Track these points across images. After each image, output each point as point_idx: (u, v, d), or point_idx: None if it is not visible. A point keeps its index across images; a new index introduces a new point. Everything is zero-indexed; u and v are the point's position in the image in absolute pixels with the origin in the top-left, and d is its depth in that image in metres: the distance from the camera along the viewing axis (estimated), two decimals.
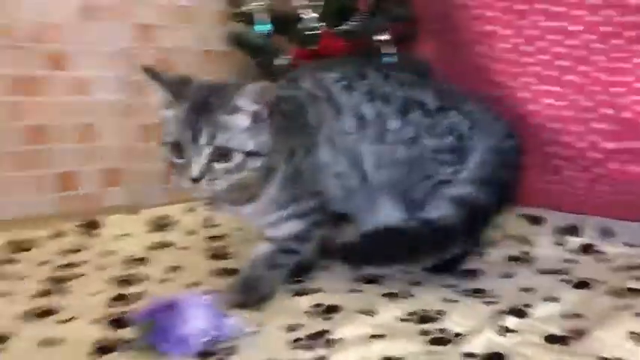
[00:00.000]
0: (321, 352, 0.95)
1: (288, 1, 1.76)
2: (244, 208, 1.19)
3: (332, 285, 1.28)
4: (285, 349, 0.97)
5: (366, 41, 1.89)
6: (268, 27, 1.69)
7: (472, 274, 1.35)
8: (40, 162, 1.79)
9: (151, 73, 1.10)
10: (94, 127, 1.88)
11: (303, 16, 1.70)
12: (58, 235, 1.70)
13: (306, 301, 1.18)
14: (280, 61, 1.70)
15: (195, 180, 1.05)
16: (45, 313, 1.17)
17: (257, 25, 1.70)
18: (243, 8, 1.74)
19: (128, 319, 1.08)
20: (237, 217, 1.35)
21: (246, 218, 1.28)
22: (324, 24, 1.70)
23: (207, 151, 1.05)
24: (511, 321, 1.03)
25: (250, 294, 1.18)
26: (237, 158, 1.07)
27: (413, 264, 1.29)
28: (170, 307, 0.98)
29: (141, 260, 1.51)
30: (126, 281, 1.35)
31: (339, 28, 1.72)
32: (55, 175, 1.82)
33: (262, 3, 1.73)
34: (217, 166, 1.07)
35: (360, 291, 1.24)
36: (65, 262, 1.52)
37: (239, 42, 1.77)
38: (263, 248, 1.24)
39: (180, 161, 1.07)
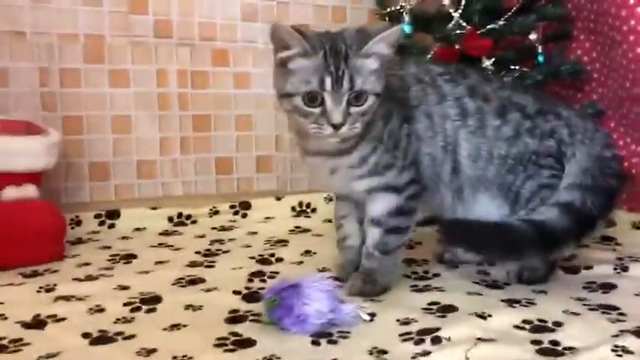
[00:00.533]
0: (427, 347, 0.99)
1: (433, 1, 1.79)
2: (340, 160, 1.20)
3: (453, 285, 1.30)
4: (394, 340, 1.02)
5: (514, 40, 1.86)
6: (408, 27, 1.72)
7: (608, 287, 1.30)
8: (203, 147, 2.00)
9: (293, 28, 1.11)
10: (252, 118, 2.05)
11: (453, 14, 1.71)
12: (215, 213, 1.91)
13: (424, 298, 1.22)
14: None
15: (338, 126, 1.09)
16: (193, 281, 1.34)
17: (404, 25, 1.74)
18: (390, 9, 1.80)
19: (259, 294, 1.21)
20: (329, 183, 1.29)
21: (344, 184, 1.27)
22: (465, 23, 1.69)
23: (347, 95, 1.09)
24: (631, 341, 0.99)
25: (371, 284, 1.25)
26: (370, 100, 1.12)
27: (514, 259, 1.29)
28: (295, 288, 1.09)
29: (281, 242, 1.65)
30: (265, 260, 1.49)
31: (487, 27, 1.70)
32: (216, 159, 2.02)
33: (406, 3, 1.77)
34: (353, 109, 1.10)
35: (480, 294, 1.25)
36: (217, 238, 1.72)
37: None
38: (373, 234, 1.26)
39: (316, 110, 1.10)
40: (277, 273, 1.39)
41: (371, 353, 0.98)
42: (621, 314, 1.14)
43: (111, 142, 1.89)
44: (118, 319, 1.12)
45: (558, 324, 1.08)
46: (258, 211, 1.92)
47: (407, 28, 1.74)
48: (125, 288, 1.30)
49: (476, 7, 1.70)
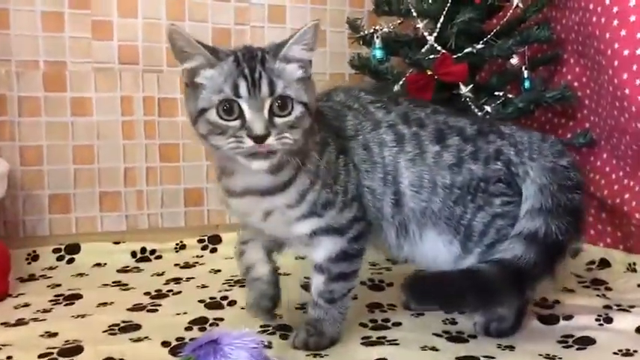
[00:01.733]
0: None
1: (409, 24, 1.68)
2: (275, 199, 1.06)
3: (411, 338, 1.17)
4: None
5: (499, 65, 1.74)
6: (381, 52, 1.61)
7: (585, 342, 1.15)
8: (171, 178, 1.91)
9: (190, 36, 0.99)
10: None
11: (427, 37, 1.60)
12: (182, 247, 1.82)
13: (372, 353, 1.10)
14: (397, 86, 1.62)
15: (261, 138, 0.95)
16: (126, 328, 1.23)
17: (374, 50, 1.64)
18: (362, 33, 1.69)
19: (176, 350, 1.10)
20: (263, 229, 1.14)
21: (280, 229, 1.12)
22: (440, 47, 1.57)
23: (268, 102, 0.97)
24: None
25: (317, 336, 1.13)
26: (298, 110, 0.99)
27: (488, 308, 1.16)
28: (213, 344, 0.97)
29: (241, 282, 1.54)
30: (215, 304, 1.38)
31: (464, 51, 1.58)
32: (185, 190, 1.93)
33: (379, 27, 1.66)
34: (279, 120, 0.97)
35: (437, 350, 1.12)
36: (175, 276, 1.61)
37: (360, 66, 1.72)
38: (317, 282, 1.14)
39: (234, 122, 0.96)
40: (222, 320, 1.28)
41: None
42: None
43: (72, 172, 1.80)
44: None
45: None
46: (228, 245, 1.81)
47: (378, 53, 1.63)
48: (53, 335, 1.20)
49: (452, 30, 1.58)
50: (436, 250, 1.15)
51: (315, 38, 1.01)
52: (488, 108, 1.61)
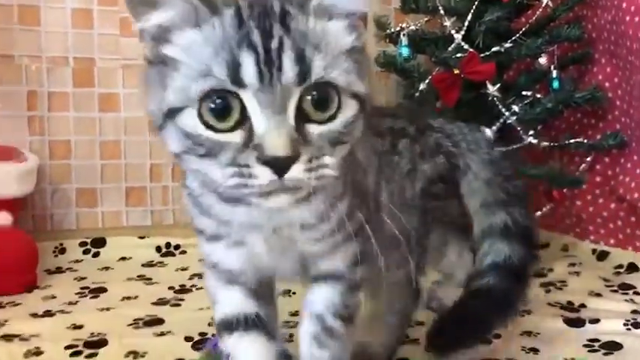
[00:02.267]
0: None
1: (437, 22, 1.66)
2: (299, 212, 0.70)
3: None
4: None
5: (528, 64, 1.71)
6: (407, 51, 1.60)
7: (612, 347, 1.13)
8: None
9: None
10: None
11: (454, 35, 1.58)
12: None
13: None
14: (423, 85, 1.61)
15: (283, 162, 0.57)
16: (150, 322, 1.25)
17: (401, 48, 1.62)
18: (388, 30, 1.68)
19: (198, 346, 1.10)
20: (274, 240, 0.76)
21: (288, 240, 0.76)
22: (468, 46, 1.55)
23: (296, 96, 0.59)
24: None
25: None
26: (349, 108, 0.62)
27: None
28: None
29: None
30: None
31: (492, 50, 1.56)
32: None
33: (406, 25, 1.65)
34: (315, 129, 0.60)
35: None
36: (199, 271, 1.62)
37: (386, 64, 1.71)
38: (325, 294, 0.81)
39: (230, 136, 0.59)
40: None
41: None
42: None
43: (99, 167, 1.83)
44: None
45: None
46: None
47: (404, 51, 1.61)
48: (78, 327, 1.22)
49: (480, 29, 1.56)
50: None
51: None
52: (515, 108, 1.58)
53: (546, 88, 1.67)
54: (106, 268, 1.67)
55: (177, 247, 1.81)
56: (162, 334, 1.18)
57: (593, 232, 1.77)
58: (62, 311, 1.32)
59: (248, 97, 0.57)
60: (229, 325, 0.80)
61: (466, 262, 1.12)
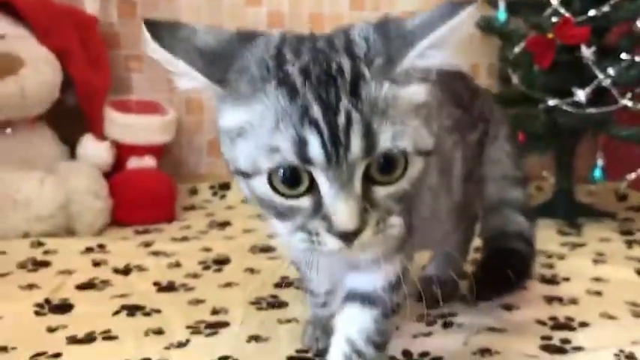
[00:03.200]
0: None
1: None
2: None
3: None
4: None
5: (623, 27, 1.73)
6: (504, 15, 1.69)
7: None
8: None
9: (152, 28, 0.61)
10: None
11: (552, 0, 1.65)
12: None
13: None
14: (518, 48, 1.70)
15: (351, 234, 0.58)
16: (265, 249, 1.49)
17: (498, 13, 1.72)
18: None
19: None
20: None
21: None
22: (564, 10, 1.61)
23: (363, 166, 0.58)
24: None
25: None
26: (415, 166, 0.60)
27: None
28: None
29: None
30: None
31: (588, 14, 1.61)
32: None
33: None
34: (381, 191, 0.60)
35: None
36: None
37: (485, 27, 1.81)
38: (359, 318, 0.77)
39: (301, 202, 0.59)
40: None
41: None
42: None
43: None
44: (189, 274, 1.32)
45: None
46: None
47: (501, 16, 1.71)
48: (208, 249, 1.50)
49: None
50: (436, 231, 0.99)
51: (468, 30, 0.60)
52: (611, 71, 1.64)
53: None
54: (230, 207, 1.96)
55: None
56: (272, 258, 1.43)
57: None
58: (196, 238, 1.61)
59: (316, 172, 0.57)
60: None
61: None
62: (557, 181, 1.86)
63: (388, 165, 0.58)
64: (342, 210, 0.56)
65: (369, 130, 0.55)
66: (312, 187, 0.58)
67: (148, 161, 1.83)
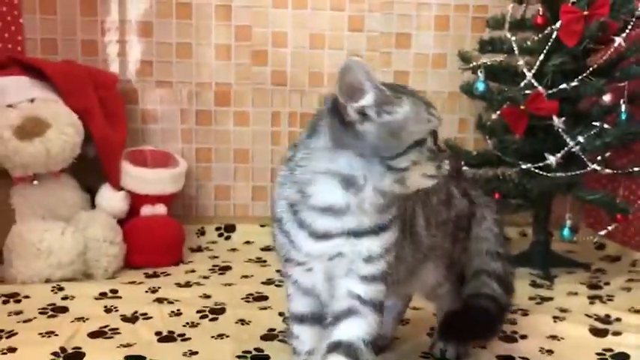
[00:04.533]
0: None
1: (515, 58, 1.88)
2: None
3: None
4: None
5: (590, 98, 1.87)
6: (482, 86, 1.84)
7: (620, 357, 1.35)
8: None
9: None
10: None
11: (526, 74, 1.80)
12: None
13: None
14: (495, 115, 1.86)
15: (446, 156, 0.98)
16: (258, 298, 1.67)
17: (477, 83, 1.87)
18: (471, 64, 1.93)
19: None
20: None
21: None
22: (537, 83, 1.76)
23: None
24: None
25: None
26: None
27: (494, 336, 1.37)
28: None
29: None
30: None
31: (559, 87, 1.76)
32: None
33: (486, 61, 1.90)
34: None
35: None
36: None
37: (469, 91, 1.97)
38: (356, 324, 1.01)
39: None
40: None
41: None
42: None
43: (232, 169, 2.31)
44: (187, 323, 1.50)
45: None
46: None
47: (480, 86, 1.87)
48: (207, 297, 1.68)
49: (550, 68, 1.77)
50: (429, 279, 1.26)
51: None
52: (581, 138, 1.78)
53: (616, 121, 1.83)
54: (234, 250, 2.15)
55: None
56: (264, 308, 1.60)
57: None
58: (198, 283, 1.79)
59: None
60: (300, 318, 1.08)
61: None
62: (534, 233, 2.01)
63: None
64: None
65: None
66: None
67: (159, 209, 2.02)
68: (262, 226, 2.26)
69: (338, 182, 0.93)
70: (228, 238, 2.25)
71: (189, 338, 1.41)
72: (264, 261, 2.03)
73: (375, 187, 0.93)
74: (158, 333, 1.44)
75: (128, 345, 1.36)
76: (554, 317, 1.57)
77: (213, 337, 1.43)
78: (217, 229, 2.26)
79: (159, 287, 1.74)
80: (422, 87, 2.31)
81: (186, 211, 2.29)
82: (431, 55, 2.31)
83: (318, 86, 2.28)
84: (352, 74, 0.88)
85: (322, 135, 0.94)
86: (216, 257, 2.06)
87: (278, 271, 1.90)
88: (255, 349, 1.35)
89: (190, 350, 1.35)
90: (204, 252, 2.13)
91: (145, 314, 1.54)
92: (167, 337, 1.42)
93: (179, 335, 1.43)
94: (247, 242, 2.22)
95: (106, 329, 1.45)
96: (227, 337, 1.43)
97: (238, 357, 1.32)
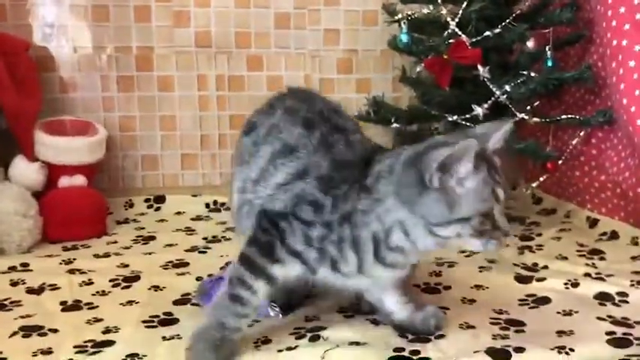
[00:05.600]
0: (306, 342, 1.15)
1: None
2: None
3: None
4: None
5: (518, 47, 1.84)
6: (406, 37, 1.79)
7: (541, 302, 1.33)
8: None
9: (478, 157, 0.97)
10: None
11: (449, 22, 1.75)
12: None
13: None
14: (419, 67, 1.81)
15: (508, 234, 1.02)
16: (178, 265, 1.60)
17: (401, 35, 1.82)
18: (396, 17, 1.87)
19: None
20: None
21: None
22: (460, 32, 1.72)
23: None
24: None
25: None
26: None
27: None
28: (219, 280, 1.30)
29: None
30: None
31: (483, 35, 1.72)
32: None
33: (411, 12, 1.84)
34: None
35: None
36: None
37: (396, 47, 1.91)
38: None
39: (487, 227, 1.00)
40: None
41: (256, 344, 1.16)
42: None
43: (159, 137, 2.22)
44: (97, 292, 1.42)
45: None
46: None
47: (404, 38, 1.81)
48: (125, 266, 1.59)
49: (473, 16, 1.72)
50: None
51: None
52: (507, 87, 1.74)
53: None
54: (163, 220, 2.06)
55: (222, 204, 2.15)
56: (182, 274, 1.53)
57: (590, 201, 1.90)
58: (117, 254, 1.71)
59: (496, 207, 0.99)
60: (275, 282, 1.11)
61: None
62: None
63: None
64: (505, 222, 1.00)
65: (505, 191, 1.00)
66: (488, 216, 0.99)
67: (78, 179, 1.92)
68: (194, 195, 2.19)
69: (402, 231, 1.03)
70: (158, 209, 2.16)
71: (97, 306, 1.34)
72: (193, 230, 1.95)
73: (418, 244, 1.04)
74: (63, 303, 1.36)
75: (28, 316, 1.28)
76: (481, 267, 1.54)
77: (122, 304, 1.35)
78: (146, 200, 2.16)
79: (74, 259, 1.65)
80: (353, 45, 2.26)
81: (113, 183, 2.19)
82: (361, 12, 2.24)
83: (245, 47, 2.20)
84: (462, 157, 0.95)
85: (393, 183, 1.02)
86: (142, 228, 1.97)
87: (204, 238, 1.85)
88: (165, 314, 1.29)
89: (95, 318, 1.27)
90: (131, 224, 2.03)
91: (54, 285, 1.46)
92: (72, 307, 1.34)
93: (86, 304, 1.35)
94: (178, 213, 2.13)
95: (6, 302, 1.36)
96: (137, 303, 1.35)
97: (144, 322, 1.25)
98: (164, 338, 1.17)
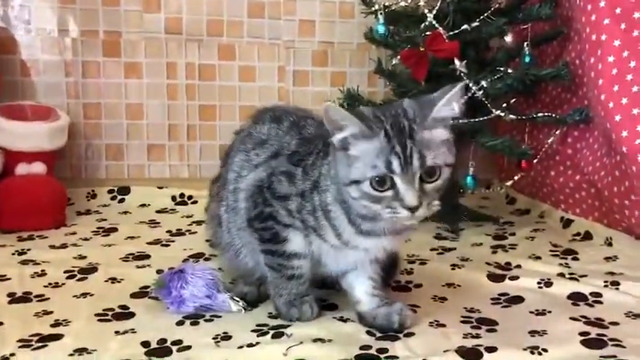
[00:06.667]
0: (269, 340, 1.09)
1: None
2: (396, 238, 1.15)
3: None
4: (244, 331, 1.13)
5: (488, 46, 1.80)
6: (383, 28, 1.74)
7: (514, 301, 1.29)
8: (208, 135, 2.19)
9: (343, 109, 1.04)
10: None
11: (427, 14, 1.71)
12: None
13: None
14: (395, 60, 1.76)
15: (414, 209, 0.99)
16: (139, 257, 1.53)
17: (377, 26, 1.77)
18: (373, 8, 1.83)
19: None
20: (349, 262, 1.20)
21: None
22: (438, 25, 1.67)
23: (418, 174, 0.99)
24: None
25: None
26: (445, 173, 1.03)
27: None
28: (180, 273, 1.23)
29: None
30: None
31: (460, 29, 1.68)
32: (220, 146, 2.16)
33: (388, 3, 1.79)
34: (428, 187, 1.01)
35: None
36: (201, 219, 1.88)
37: (372, 39, 1.87)
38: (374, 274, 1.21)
39: (386, 194, 1.00)
40: (215, 256, 1.53)
41: (216, 339, 1.09)
42: None
43: (125, 126, 2.13)
44: (50, 284, 1.34)
45: None
46: None
47: (380, 29, 1.76)
48: (82, 258, 1.52)
49: (451, 8, 1.68)
50: None
51: (462, 96, 1.05)
52: (484, 83, 1.71)
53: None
54: (126, 212, 1.98)
55: (190, 197, 2.08)
56: (142, 266, 1.46)
57: (564, 202, 1.88)
58: (75, 245, 1.63)
59: (395, 177, 1.00)
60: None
61: None
62: None
63: (432, 173, 1.01)
64: (410, 195, 0.99)
65: (421, 156, 0.99)
66: (392, 187, 1.00)
67: (37, 167, 1.83)
68: (160, 188, 2.11)
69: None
70: (121, 201, 2.08)
71: (48, 298, 1.26)
72: (158, 222, 1.88)
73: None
74: (11, 294, 1.28)
75: None
76: (453, 265, 1.50)
77: (75, 296, 1.28)
78: (110, 191, 2.08)
79: (28, 249, 1.57)
80: (329, 38, 2.20)
81: (75, 172, 2.11)
82: (338, 3, 2.19)
83: (217, 35, 2.13)
84: (349, 122, 1.01)
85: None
86: (104, 220, 1.89)
87: (168, 231, 1.77)
88: (120, 307, 1.22)
89: (44, 310, 1.20)
90: (93, 215, 1.95)
91: (3, 276, 1.37)
92: (21, 298, 1.26)
93: (36, 296, 1.27)
94: (142, 205, 2.06)
95: None
96: (91, 295, 1.28)
97: (97, 315, 1.18)
98: (117, 332, 1.11)
